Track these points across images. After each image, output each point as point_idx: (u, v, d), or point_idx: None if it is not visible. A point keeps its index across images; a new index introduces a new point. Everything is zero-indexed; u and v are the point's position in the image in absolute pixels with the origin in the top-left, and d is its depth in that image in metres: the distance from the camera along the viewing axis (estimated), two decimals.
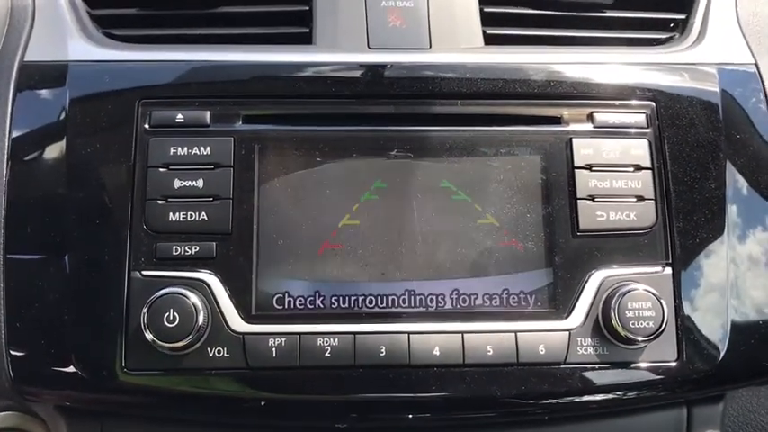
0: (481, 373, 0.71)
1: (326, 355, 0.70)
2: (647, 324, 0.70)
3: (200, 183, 0.73)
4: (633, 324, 0.70)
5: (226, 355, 0.70)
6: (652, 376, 0.73)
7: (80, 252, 0.72)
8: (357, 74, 0.78)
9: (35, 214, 0.74)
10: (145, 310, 0.69)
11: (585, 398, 0.74)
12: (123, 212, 0.73)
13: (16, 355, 0.72)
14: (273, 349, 0.70)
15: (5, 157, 0.74)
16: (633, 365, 0.73)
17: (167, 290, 0.70)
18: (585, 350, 0.72)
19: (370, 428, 0.79)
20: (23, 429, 0.84)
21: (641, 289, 0.71)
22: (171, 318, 0.69)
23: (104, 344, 0.71)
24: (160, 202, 0.73)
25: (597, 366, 0.72)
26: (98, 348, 0.71)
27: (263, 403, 0.71)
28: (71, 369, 0.71)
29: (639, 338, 0.71)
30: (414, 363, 0.71)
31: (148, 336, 0.69)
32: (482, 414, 0.76)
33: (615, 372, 0.72)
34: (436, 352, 0.71)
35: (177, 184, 0.73)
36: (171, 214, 0.72)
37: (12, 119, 0.76)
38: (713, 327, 0.74)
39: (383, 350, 0.71)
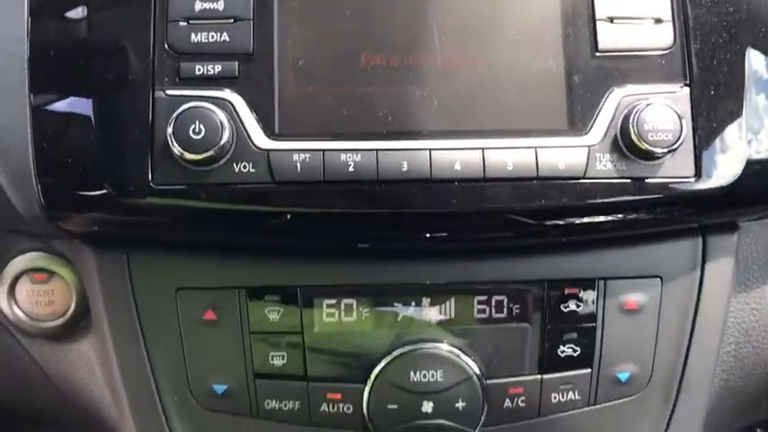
0: (501, 187, 0.73)
1: (350, 170, 0.72)
2: (666, 136, 0.71)
3: (220, 5, 0.73)
4: (651, 136, 0.71)
5: (251, 170, 0.72)
6: (670, 192, 0.74)
7: (104, 75, 0.73)
8: None
9: (58, 41, 0.74)
10: (171, 122, 0.70)
11: (603, 218, 0.76)
12: (145, 35, 0.73)
13: (46, 182, 0.74)
14: (298, 164, 0.72)
15: None
16: (651, 180, 0.74)
17: (193, 103, 0.71)
18: (604, 165, 0.73)
19: (388, 252, 0.81)
20: (49, 269, 0.87)
21: (659, 103, 0.72)
22: (197, 130, 0.70)
23: (131, 162, 0.72)
24: (182, 23, 0.73)
25: (616, 181, 0.73)
26: (125, 167, 0.72)
27: (288, 216, 0.72)
28: (100, 189, 0.73)
29: (657, 150, 0.71)
30: (435, 177, 0.72)
31: (175, 150, 0.70)
32: (499, 234, 0.77)
33: (634, 186, 0.73)
34: (457, 167, 0.72)
35: (198, 6, 0.73)
36: (193, 35, 0.73)
37: None
38: (730, 146, 0.75)
39: (405, 165, 0.72)
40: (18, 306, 0.87)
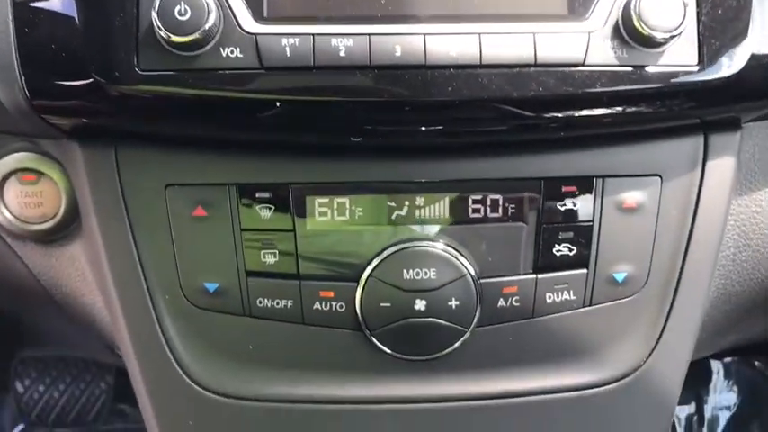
0: (498, 74, 0.70)
1: (341, 55, 0.69)
2: (668, 21, 0.69)
3: None
4: (653, 21, 0.69)
5: (239, 55, 0.69)
6: (672, 81, 0.72)
7: None
8: None
9: None
10: (156, 3, 0.67)
11: (602, 110, 0.73)
12: None
13: (29, 72, 0.72)
14: (287, 49, 0.69)
15: None
16: (653, 68, 0.71)
17: None
18: (605, 52, 0.70)
19: (382, 150, 0.79)
20: (38, 170, 0.85)
21: None
22: (182, 11, 0.67)
23: (116, 48, 0.70)
24: None
25: (616, 68, 0.71)
26: (110, 53, 0.70)
27: (277, 104, 0.70)
28: (85, 77, 0.70)
29: (659, 36, 0.69)
30: (430, 64, 0.70)
31: (161, 33, 0.67)
32: (496, 127, 0.75)
33: (635, 75, 0.71)
34: (453, 53, 0.70)
35: None
36: None
37: None
38: (735, 35, 0.72)
39: (398, 50, 0.69)
40: (6, 208, 0.86)
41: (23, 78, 0.72)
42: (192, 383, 0.83)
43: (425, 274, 0.79)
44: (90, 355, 1.66)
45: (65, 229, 0.87)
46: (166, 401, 0.85)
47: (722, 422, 1.73)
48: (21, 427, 1.88)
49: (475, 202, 0.80)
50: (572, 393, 0.84)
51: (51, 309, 0.96)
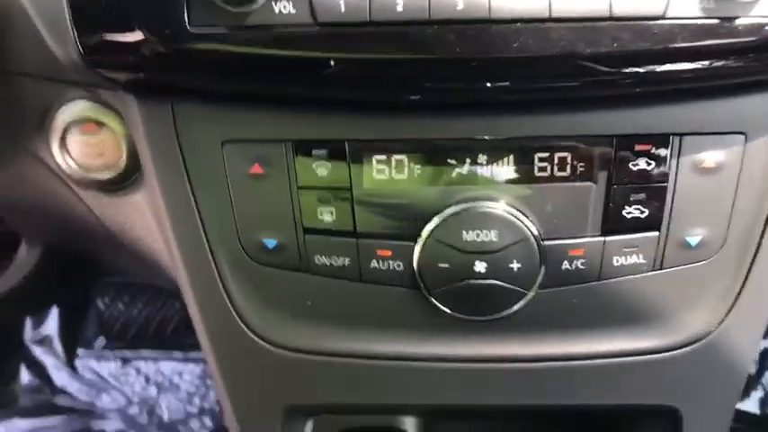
0: (569, 28, 0.65)
1: (399, 9, 0.65)
2: None
3: None
4: None
5: (292, 10, 0.66)
6: (765, 33, 0.65)
7: None
8: None
9: None
10: None
11: (684, 65, 0.67)
12: None
13: (82, 27, 0.71)
14: (341, 3, 0.65)
15: None
16: (743, 20, 0.64)
17: None
18: (689, 3, 0.64)
19: (443, 105, 0.75)
20: (98, 120, 0.85)
21: None
22: None
23: (166, 3, 0.67)
24: None
25: (701, 21, 0.64)
26: (160, 9, 0.68)
27: (332, 63, 0.67)
28: (137, 34, 0.69)
29: None
30: (494, 17, 0.64)
31: None
32: (567, 84, 0.70)
33: (723, 27, 0.64)
34: (519, 6, 0.64)
35: None
36: None
37: None
38: None
39: (460, 3, 0.64)
40: (70, 156, 0.87)
41: (76, 33, 0.71)
42: (252, 334, 0.85)
43: (486, 235, 0.76)
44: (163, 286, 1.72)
45: (128, 179, 0.87)
46: (227, 350, 0.87)
47: None
48: (102, 340, 1.99)
49: (541, 160, 0.76)
50: (638, 357, 0.82)
51: (122, 249, 0.99)
